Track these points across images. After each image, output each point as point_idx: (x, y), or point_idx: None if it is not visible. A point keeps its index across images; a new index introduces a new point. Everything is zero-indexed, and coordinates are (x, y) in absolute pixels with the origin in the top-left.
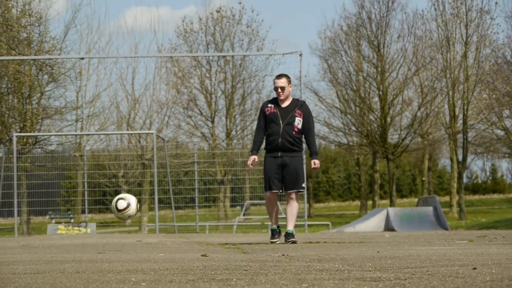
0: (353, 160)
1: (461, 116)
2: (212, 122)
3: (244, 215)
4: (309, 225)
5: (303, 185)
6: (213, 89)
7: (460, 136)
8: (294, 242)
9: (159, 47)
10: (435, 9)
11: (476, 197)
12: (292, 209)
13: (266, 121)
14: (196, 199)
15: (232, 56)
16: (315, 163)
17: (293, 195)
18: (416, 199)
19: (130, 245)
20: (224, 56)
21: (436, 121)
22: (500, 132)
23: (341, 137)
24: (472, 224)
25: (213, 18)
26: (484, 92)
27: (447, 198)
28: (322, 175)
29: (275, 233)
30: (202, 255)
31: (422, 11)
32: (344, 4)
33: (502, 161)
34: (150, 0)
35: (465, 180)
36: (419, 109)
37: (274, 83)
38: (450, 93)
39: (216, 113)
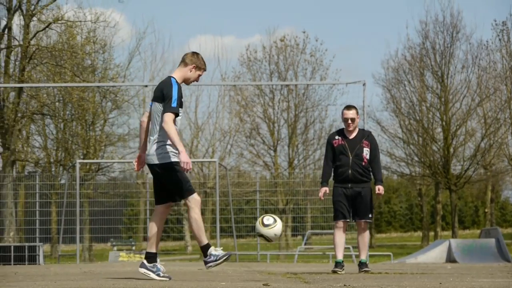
0: (415, 191)
1: None
2: (275, 151)
3: (305, 244)
4: (371, 256)
5: (371, 215)
6: (276, 118)
7: None
8: (367, 272)
9: (223, 75)
10: (500, 40)
11: None
12: (364, 238)
13: (334, 153)
14: None
15: (296, 85)
16: (380, 188)
17: (364, 225)
18: (479, 231)
19: (192, 273)
20: (287, 85)
21: (499, 152)
22: None
23: (404, 168)
24: None
25: (277, 47)
26: None
27: (510, 230)
28: (384, 205)
29: (339, 265)
30: (263, 284)
31: (487, 41)
32: (408, 34)
33: None
34: (215, 29)
35: None
36: (482, 140)
37: (344, 114)
38: None
39: (279, 142)
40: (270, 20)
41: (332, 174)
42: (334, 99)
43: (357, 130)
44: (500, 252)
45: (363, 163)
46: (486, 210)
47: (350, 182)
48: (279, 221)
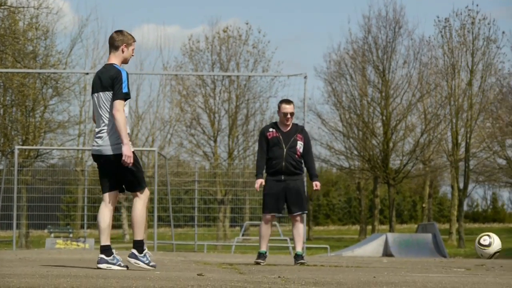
0: (354, 184)
1: (463, 144)
2: (215, 141)
3: (243, 235)
4: (308, 248)
5: (305, 208)
6: (216, 109)
7: (461, 164)
8: (302, 264)
9: (165, 64)
10: (442, 36)
11: (476, 225)
12: (299, 231)
13: (268, 145)
14: (196, 217)
15: (237, 76)
16: (317, 185)
17: (299, 217)
18: (416, 226)
19: (125, 262)
20: (229, 76)
21: (439, 148)
22: (502, 161)
23: (343, 161)
24: (470, 253)
25: (220, 38)
26: (488, 121)
27: (446, 226)
28: (322, 198)
29: (262, 256)
30: (198, 274)
31: (429, 37)
32: (350, 29)
33: (503, 190)
34: (159, 18)
35: (465, 208)
36: (422, 135)
37: (283, 108)
38: (454, 120)
39: (219, 133)
40: (214, 10)
41: (266, 166)
42: (275, 91)
43: (291, 124)
44: (437, 247)
45: (297, 156)
46: (423, 205)
47: (283, 174)
48: (496, 241)
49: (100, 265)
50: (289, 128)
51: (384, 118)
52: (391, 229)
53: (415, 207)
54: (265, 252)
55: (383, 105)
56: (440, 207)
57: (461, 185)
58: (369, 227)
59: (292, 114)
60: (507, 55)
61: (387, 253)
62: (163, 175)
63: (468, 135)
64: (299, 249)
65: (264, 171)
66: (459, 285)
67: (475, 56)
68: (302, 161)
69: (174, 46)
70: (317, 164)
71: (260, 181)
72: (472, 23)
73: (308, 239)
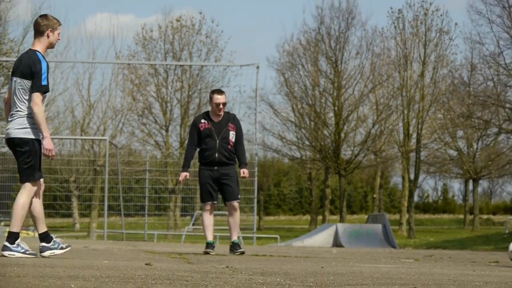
0: (305, 175)
1: (415, 135)
2: (166, 130)
3: (193, 225)
4: (258, 238)
5: (239, 196)
6: (169, 98)
7: (413, 154)
8: (242, 253)
9: (117, 53)
10: (395, 27)
11: (426, 216)
12: (235, 219)
13: (200, 136)
14: (146, 207)
15: (190, 66)
16: (244, 172)
17: (235, 204)
18: (366, 216)
19: (76, 250)
20: (181, 65)
21: (390, 138)
22: (453, 153)
23: (295, 151)
24: (420, 243)
25: (173, 27)
26: (439, 112)
27: (397, 216)
28: (273, 188)
29: (210, 246)
30: (146, 264)
31: (382, 28)
32: (304, 19)
33: (453, 181)
34: (113, 7)
35: (416, 199)
36: (373, 126)
37: (215, 98)
38: (405, 111)
39: (171, 122)
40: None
41: (198, 156)
42: (228, 81)
43: (223, 114)
44: (386, 238)
45: (229, 147)
46: (374, 196)
47: (217, 165)
48: None
49: (43, 253)
50: (221, 118)
51: (336, 108)
52: (342, 220)
53: (366, 198)
54: (213, 242)
55: (335, 96)
56: (391, 197)
57: (412, 176)
58: (320, 217)
59: (224, 104)
60: (459, 47)
61: (337, 243)
62: (114, 164)
63: (420, 126)
64: (235, 237)
65: (198, 161)
66: (406, 275)
67: (427, 48)
68: (234, 151)
69: (127, 35)
70: (268, 154)
71: (185, 174)
72: (425, 14)
73: (259, 229)
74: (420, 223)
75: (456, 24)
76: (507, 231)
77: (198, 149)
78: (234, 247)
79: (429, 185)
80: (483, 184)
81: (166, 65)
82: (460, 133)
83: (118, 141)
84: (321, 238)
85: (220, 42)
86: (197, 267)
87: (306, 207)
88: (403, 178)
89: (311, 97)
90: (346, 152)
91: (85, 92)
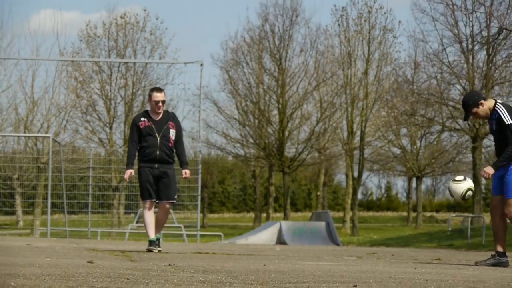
0: (249, 172)
1: (358, 132)
2: (110, 128)
3: (137, 222)
4: (202, 235)
5: (176, 196)
6: (113, 95)
7: (356, 152)
8: (160, 251)
9: (61, 50)
10: (339, 25)
11: (370, 213)
12: (164, 217)
13: (140, 134)
14: (90, 204)
15: (134, 63)
16: (186, 172)
17: (167, 206)
18: (310, 214)
19: (19, 248)
20: (125, 63)
21: (334, 136)
22: (397, 150)
23: (239, 149)
24: (363, 241)
25: (117, 24)
26: (383, 110)
27: (341, 214)
28: (217, 185)
29: (153, 244)
30: (88, 262)
31: (326, 26)
32: (248, 16)
33: (397, 179)
34: (58, 3)
35: (359, 196)
36: (317, 124)
37: (154, 96)
38: (349, 109)
39: (115, 119)
40: None
41: (138, 154)
42: (172, 78)
43: (162, 112)
44: (330, 235)
45: (170, 144)
46: (318, 193)
47: (158, 162)
48: (467, 178)
49: None
50: (160, 116)
51: (280, 106)
52: (286, 217)
53: (310, 195)
54: (155, 240)
55: (279, 93)
56: (334, 195)
57: (356, 174)
58: (264, 215)
59: (163, 102)
60: (403, 45)
61: (281, 241)
62: (58, 162)
63: (363, 124)
64: (157, 234)
65: (137, 159)
66: (347, 273)
67: (371, 45)
68: (174, 149)
69: (71, 32)
70: (212, 152)
71: (130, 171)
72: (369, 12)
73: (203, 226)
74: (364, 220)
75: (400, 22)
76: (450, 229)
77: (138, 147)
78: (151, 244)
79: (373, 183)
80: (427, 181)
81: (110, 62)
82: (403, 130)
83: (61, 138)
84: (265, 235)
85: (165, 40)
86: (139, 265)
87: (250, 205)
88: (346, 175)
89: (255, 94)
90: (290, 150)
91: (28, 89)
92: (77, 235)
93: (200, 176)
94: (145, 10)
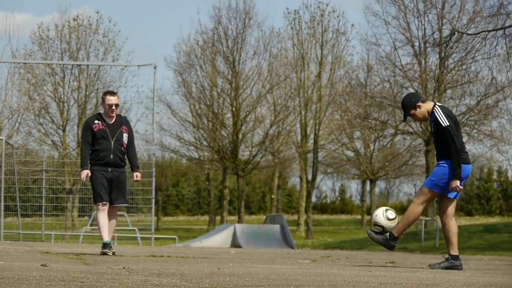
0: (203, 175)
1: (312, 135)
2: (64, 130)
3: (91, 225)
4: (156, 239)
5: (127, 199)
6: (66, 98)
7: (310, 155)
8: (105, 253)
9: (14, 52)
10: (292, 28)
11: (324, 216)
12: (115, 221)
13: (94, 137)
14: (43, 207)
15: (87, 66)
16: (138, 175)
17: (117, 209)
18: (265, 217)
19: None
20: (78, 65)
21: (288, 139)
22: (350, 153)
23: (193, 152)
24: (318, 244)
25: (70, 26)
26: (336, 113)
27: (295, 217)
28: (172, 188)
29: (107, 247)
30: (42, 265)
31: (279, 29)
32: (200, 19)
33: (351, 182)
34: (10, 5)
35: (314, 199)
36: (271, 127)
37: (108, 100)
38: (303, 112)
39: (68, 122)
40: None
41: (90, 157)
42: (125, 81)
43: (115, 115)
44: (284, 238)
45: (123, 148)
46: (272, 196)
47: (111, 166)
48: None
49: None
50: (114, 120)
51: (233, 109)
52: (240, 220)
53: (264, 198)
54: (110, 243)
55: (233, 96)
56: (289, 198)
57: (310, 177)
58: (218, 217)
59: (116, 105)
60: (355, 48)
61: (235, 244)
62: (11, 164)
63: (317, 127)
64: (109, 238)
65: (90, 162)
66: (302, 276)
67: (324, 48)
68: (126, 153)
69: (23, 34)
70: (166, 154)
71: (87, 172)
72: (322, 15)
73: (157, 229)
74: (318, 223)
75: (352, 25)
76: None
77: (90, 150)
78: (105, 247)
79: (327, 186)
80: (380, 184)
81: (63, 64)
82: (357, 134)
83: (14, 141)
84: (219, 238)
85: (118, 42)
86: (93, 268)
87: (205, 208)
88: (301, 178)
89: (209, 97)
90: (244, 153)
91: None
92: (31, 238)
93: (154, 179)
94: (98, 12)
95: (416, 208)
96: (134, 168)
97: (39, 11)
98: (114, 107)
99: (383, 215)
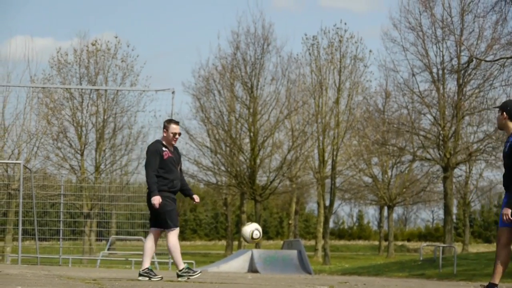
0: (221, 200)
1: (330, 161)
2: (82, 155)
3: (108, 249)
4: (174, 263)
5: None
6: (84, 122)
7: (328, 181)
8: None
9: (32, 77)
10: (310, 54)
11: (342, 242)
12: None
13: (163, 165)
14: (61, 231)
15: (105, 90)
16: (197, 197)
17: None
18: (282, 242)
19: None
20: (97, 90)
21: (305, 165)
22: (368, 179)
23: (210, 177)
24: (335, 269)
25: (88, 51)
26: (354, 139)
27: (312, 242)
28: (189, 213)
29: (190, 270)
30: None
31: (297, 55)
32: (219, 44)
33: (368, 207)
34: (27, 30)
35: (331, 225)
36: (288, 152)
37: (172, 128)
38: (321, 138)
39: (86, 146)
40: (84, 23)
41: (160, 183)
42: (143, 106)
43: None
44: (302, 263)
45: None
46: (290, 222)
47: (175, 193)
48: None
49: None
50: (173, 149)
51: (251, 134)
52: (257, 245)
53: (282, 224)
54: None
55: (251, 122)
56: (306, 223)
57: (327, 202)
58: (236, 242)
59: (179, 134)
60: (374, 74)
61: (252, 269)
62: (29, 188)
63: (335, 153)
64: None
65: (162, 189)
66: None
67: (342, 74)
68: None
69: (42, 59)
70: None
71: (158, 198)
72: (340, 41)
73: None
74: (336, 249)
75: (370, 51)
76: (421, 258)
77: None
78: (187, 271)
79: (345, 212)
80: (398, 210)
81: (81, 89)
82: (375, 160)
83: (32, 165)
84: (237, 263)
85: (136, 67)
86: None
87: (222, 233)
88: (318, 204)
89: (227, 122)
90: (261, 178)
91: None
92: (48, 262)
93: None
94: (116, 37)
95: (500, 251)
96: (191, 192)
97: (60, 36)
98: (177, 136)
99: (250, 233)
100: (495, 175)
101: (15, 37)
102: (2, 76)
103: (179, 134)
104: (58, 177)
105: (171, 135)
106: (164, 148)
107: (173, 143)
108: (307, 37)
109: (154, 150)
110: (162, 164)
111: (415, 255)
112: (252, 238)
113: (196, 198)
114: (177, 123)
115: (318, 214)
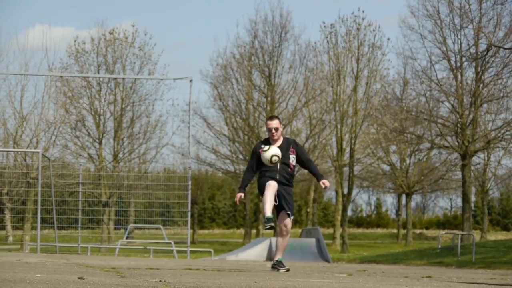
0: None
1: (348, 149)
2: (100, 143)
3: (127, 238)
4: (192, 252)
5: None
6: (102, 111)
7: (346, 169)
8: (287, 270)
9: (50, 66)
10: (328, 42)
11: (360, 230)
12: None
13: (259, 161)
14: (80, 220)
15: (123, 79)
16: (325, 183)
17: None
18: (300, 230)
19: (9, 264)
20: (114, 78)
21: (323, 153)
22: (386, 167)
23: (228, 165)
24: (353, 258)
25: (106, 40)
26: (372, 127)
27: (331, 230)
28: (207, 201)
29: (270, 220)
30: (78, 278)
31: (315, 43)
32: (237, 33)
33: (387, 195)
34: (44, 19)
35: (349, 213)
36: (306, 140)
37: (268, 124)
38: (339, 126)
39: (104, 135)
40: (101, 12)
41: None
42: (161, 94)
43: (281, 138)
44: (320, 252)
45: (290, 170)
46: (308, 210)
47: (279, 184)
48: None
49: None
50: (280, 143)
51: None
52: (276, 233)
53: (300, 212)
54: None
55: (269, 110)
56: (324, 211)
57: (346, 190)
58: (254, 231)
59: (276, 129)
60: (391, 62)
61: (271, 257)
62: (47, 177)
63: (353, 141)
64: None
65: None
66: None
67: (360, 62)
68: (294, 174)
69: (60, 47)
70: (202, 168)
71: (240, 195)
72: (358, 29)
73: (193, 242)
74: (354, 237)
75: (388, 39)
76: (439, 246)
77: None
78: (278, 265)
79: (363, 200)
80: (416, 198)
81: (99, 78)
82: (393, 148)
83: (51, 153)
84: (255, 252)
85: (154, 55)
86: (129, 281)
87: (240, 221)
88: (336, 192)
89: (245, 111)
90: None
91: (17, 104)
92: (67, 251)
93: (190, 192)
94: (133, 25)
95: None
96: (320, 177)
97: (80, 25)
98: (274, 131)
99: (269, 157)
100: None
101: (34, 26)
102: (20, 65)
103: (276, 128)
104: (77, 165)
105: (268, 131)
106: (263, 145)
107: (273, 138)
108: (325, 25)
109: (253, 151)
110: (258, 161)
111: (433, 243)
112: (271, 162)
113: (323, 184)
114: (272, 118)
115: (336, 202)
